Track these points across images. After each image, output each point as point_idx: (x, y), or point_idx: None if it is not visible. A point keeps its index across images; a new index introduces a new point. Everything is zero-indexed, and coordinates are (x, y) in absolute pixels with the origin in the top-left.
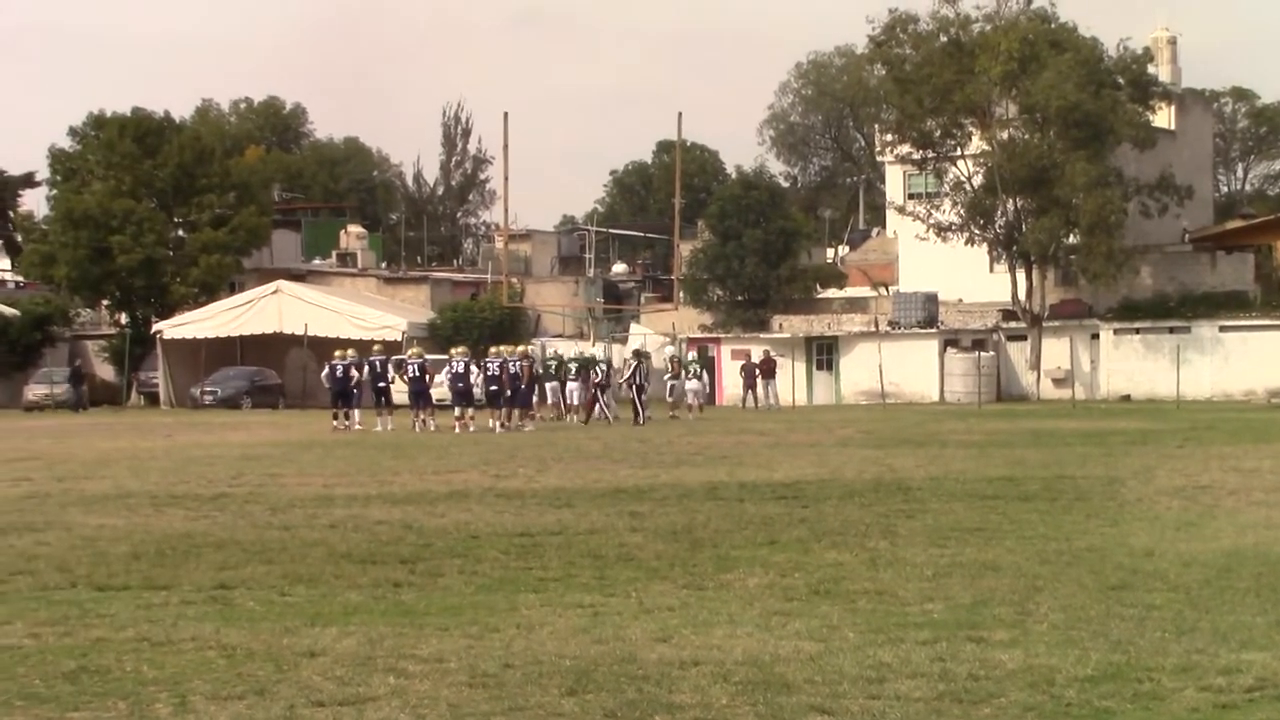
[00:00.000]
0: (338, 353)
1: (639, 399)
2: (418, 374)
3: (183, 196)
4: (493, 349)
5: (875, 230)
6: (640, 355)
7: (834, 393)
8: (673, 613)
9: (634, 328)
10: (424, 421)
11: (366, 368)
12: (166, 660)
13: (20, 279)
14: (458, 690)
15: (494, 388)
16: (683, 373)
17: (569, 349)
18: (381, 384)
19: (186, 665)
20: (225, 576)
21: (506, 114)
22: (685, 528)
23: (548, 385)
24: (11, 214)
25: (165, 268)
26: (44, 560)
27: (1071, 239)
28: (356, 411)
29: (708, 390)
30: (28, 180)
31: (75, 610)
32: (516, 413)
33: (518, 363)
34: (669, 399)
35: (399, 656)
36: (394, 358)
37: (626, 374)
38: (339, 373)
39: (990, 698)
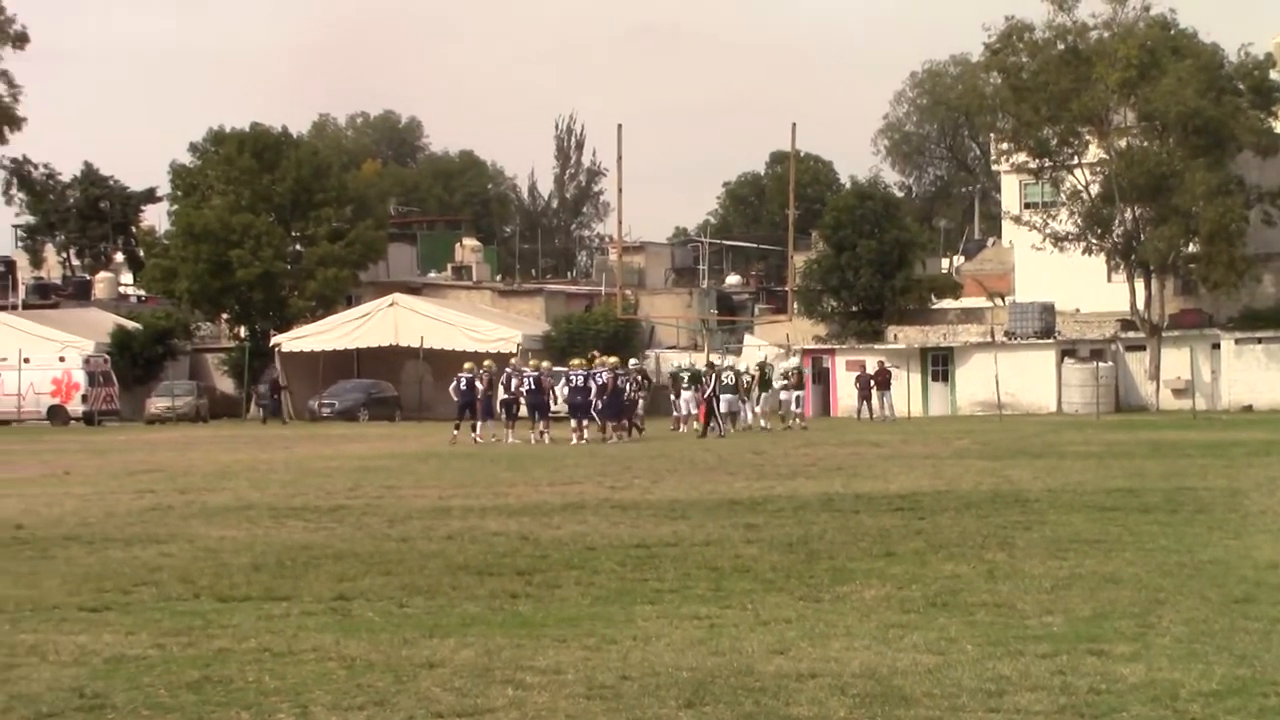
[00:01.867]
0: (467, 365)
1: (717, 412)
2: (534, 386)
3: (300, 211)
4: (573, 360)
5: (991, 240)
6: (713, 367)
7: (949, 404)
8: (789, 625)
9: (748, 339)
10: (541, 434)
11: (512, 380)
12: (288, 671)
13: (142, 293)
14: (575, 702)
15: (579, 399)
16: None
17: (683, 360)
18: (531, 399)
19: (307, 676)
20: (344, 588)
21: (620, 126)
22: (801, 539)
23: (683, 397)
24: (134, 229)
25: (283, 281)
26: (167, 571)
27: (1191, 248)
28: (489, 423)
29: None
30: (150, 196)
31: (198, 621)
32: (609, 426)
33: (602, 375)
34: (780, 412)
35: (516, 668)
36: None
37: (707, 387)
38: (463, 385)
39: (1112, 712)
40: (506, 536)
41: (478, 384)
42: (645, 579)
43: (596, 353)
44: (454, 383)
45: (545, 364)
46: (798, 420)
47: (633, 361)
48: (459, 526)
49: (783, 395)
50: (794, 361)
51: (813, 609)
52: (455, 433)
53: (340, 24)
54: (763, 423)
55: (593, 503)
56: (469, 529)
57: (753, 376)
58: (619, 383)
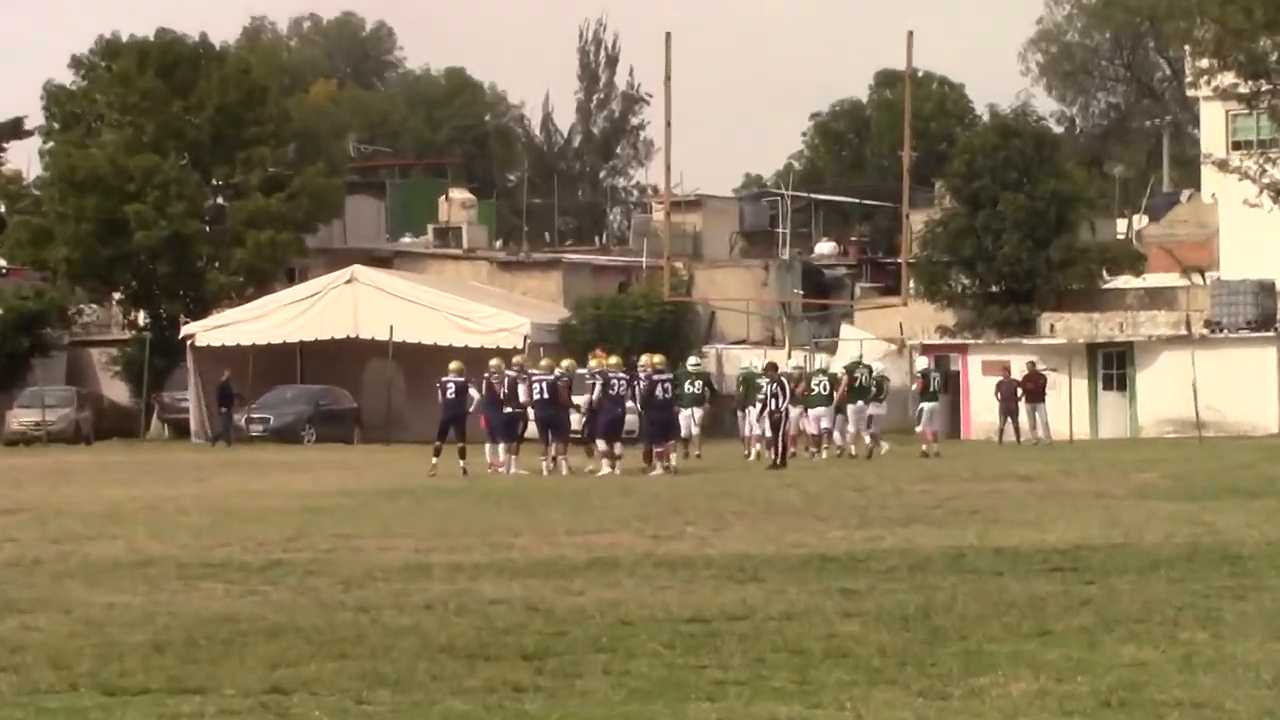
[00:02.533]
0: (454, 365)
1: (777, 434)
2: (547, 395)
3: (225, 150)
4: (593, 359)
5: (1186, 193)
6: (776, 372)
7: (1128, 421)
8: None
9: (845, 331)
10: (555, 460)
11: (518, 387)
12: None
13: (3, 264)
14: None
15: (614, 412)
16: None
17: (756, 359)
18: (544, 412)
19: None
20: (281, 677)
21: (669, 35)
22: (920, 611)
23: (748, 413)
24: None
25: (199, 248)
26: (34, 652)
27: None
28: (500, 447)
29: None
30: (15, 129)
31: None
32: (655, 449)
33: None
34: (917, 428)
35: None
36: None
37: (760, 401)
38: (451, 392)
39: None
40: (509, 606)
41: (473, 392)
42: (702, 666)
43: (600, 351)
44: (440, 390)
45: (566, 363)
46: (930, 445)
47: (692, 360)
48: (442, 592)
49: (871, 410)
50: (923, 362)
51: (937, 709)
52: (435, 460)
53: None
54: (851, 448)
55: (629, 559)
56: (456, 595)
57: (832, 382)
58: (657, 390)
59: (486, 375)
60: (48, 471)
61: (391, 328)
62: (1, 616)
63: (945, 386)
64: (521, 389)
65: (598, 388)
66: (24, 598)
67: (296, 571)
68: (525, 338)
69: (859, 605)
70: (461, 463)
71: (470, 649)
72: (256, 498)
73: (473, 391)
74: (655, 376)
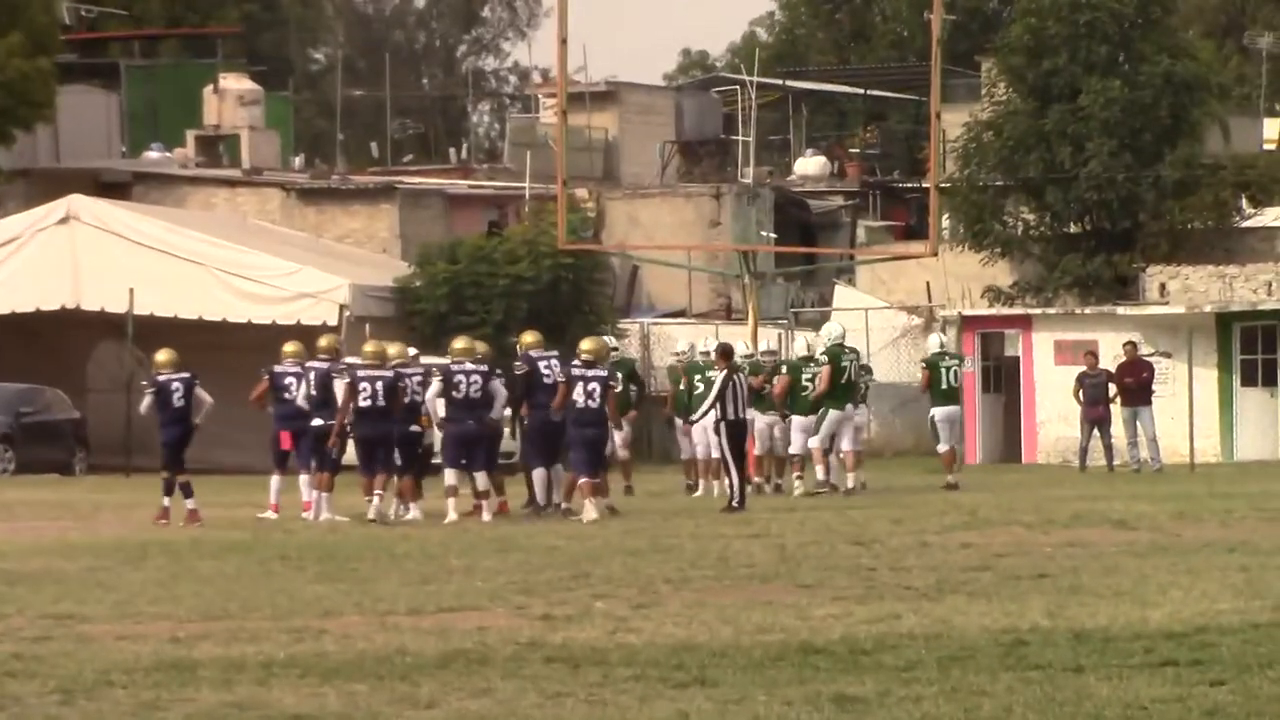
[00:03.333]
0: (290, 348)
1: (737, 456)
2: (381, 400)
3: None
4: (457, 344)
5: None
6: (731, 361)
7: (1277, 436)
8: None
9: (841, 294)
10: (398, 501)
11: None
12: None
13: None
14: None
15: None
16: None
17: (703, 341)
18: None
19: None
20: None
21: None
22: None
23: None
24: None
25: None
26: None
27: None
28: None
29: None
30: None
31: None
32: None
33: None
34: (939, 447)
35: None
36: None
37: (705, 405)
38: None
39: None
40: None
41: (296, 391)
42: None
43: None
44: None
45: (410, 352)
46: (954, 470)
47: (609, 344)
48: (215, 704)
49: (936, 415)
50: (936, 340)
51: None
52: (165, 500)
53: None
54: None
55: (505, 651)
56: (237, 709)
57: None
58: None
59: (274, 370)
60: None
61: (132, 293)
62: None
63: (991, 381)
64: (338, 389)
65: (436, 386)
66: None
67: None
68: (342, 308)
69: None
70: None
71: None
72: None
73: (201, 393)
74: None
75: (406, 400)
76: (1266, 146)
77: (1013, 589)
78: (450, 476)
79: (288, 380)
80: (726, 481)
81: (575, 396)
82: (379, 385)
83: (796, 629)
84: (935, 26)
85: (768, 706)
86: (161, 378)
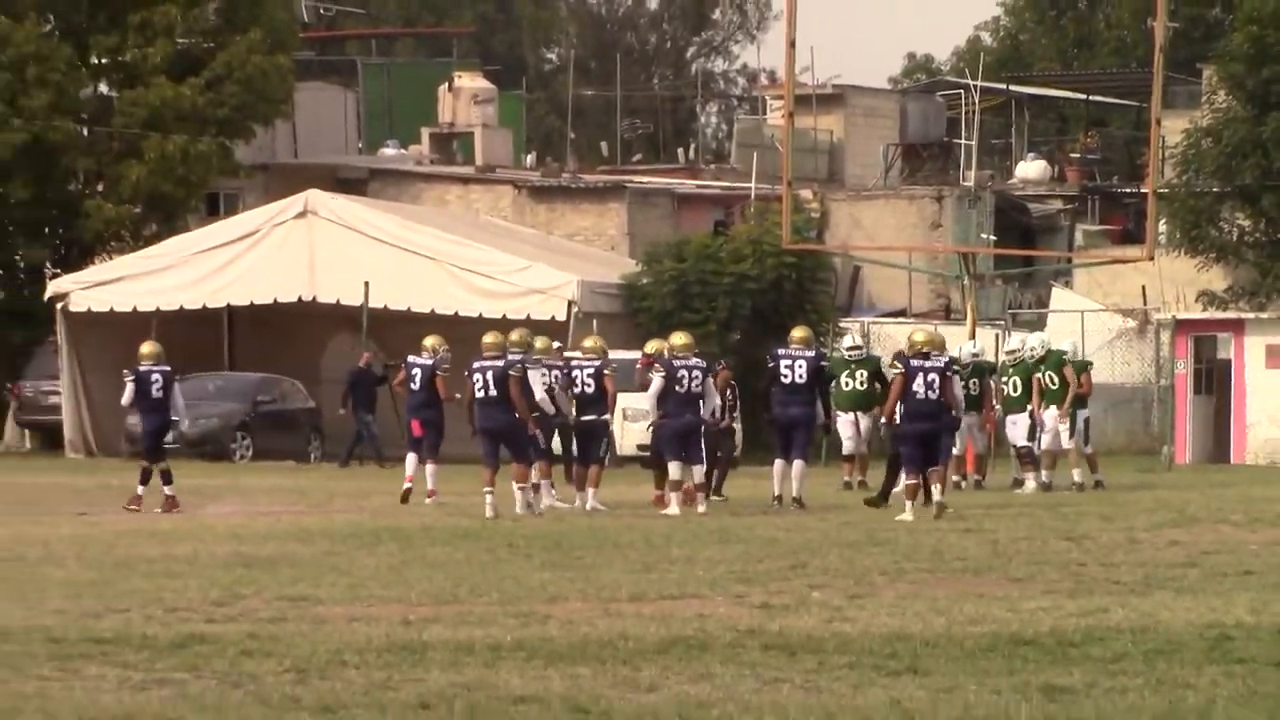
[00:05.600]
0: (429, 342)
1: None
2: (593, 391)
3: (111, 13)
4: (588, 341)
5: None
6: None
7: None
8: None
9: (1058, 297)
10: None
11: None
12: None
13: None
14: None
15: (587, 418)
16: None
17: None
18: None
19: None
20: None
21: None
22: None
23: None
24: None
25: (75, 161)
26: None
27: None
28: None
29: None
30: None
31: None
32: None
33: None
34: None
35: None
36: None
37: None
38: (416, 381)
39: None
40: (544, 706)
41: (443, 396)
42: None
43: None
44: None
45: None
46: (1082, 474)
47: (848, 343)
48: (444, 684)
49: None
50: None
51: None
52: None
53: None
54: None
55: (724, 639)
56: (465, 689)
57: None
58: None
59: (424, 362)
60: None
61: (367, 286)
62: None
63: (1204, 384)
64: (535, 381)
65: (657, 383)
66: None
67: (227, 651)
68: (571, 304)
69: (1072, 711)
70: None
71: None
72: (165, 541)
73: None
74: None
75: (577, 391)
76: None
77: (1218, 585)
78: (674, 470)
79: (414, 371)
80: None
81: (783, 376)
82: (589, 373)
83: (1007, 621)
84: (1159, 34)
85: (978, 695)
86: (142, 369)
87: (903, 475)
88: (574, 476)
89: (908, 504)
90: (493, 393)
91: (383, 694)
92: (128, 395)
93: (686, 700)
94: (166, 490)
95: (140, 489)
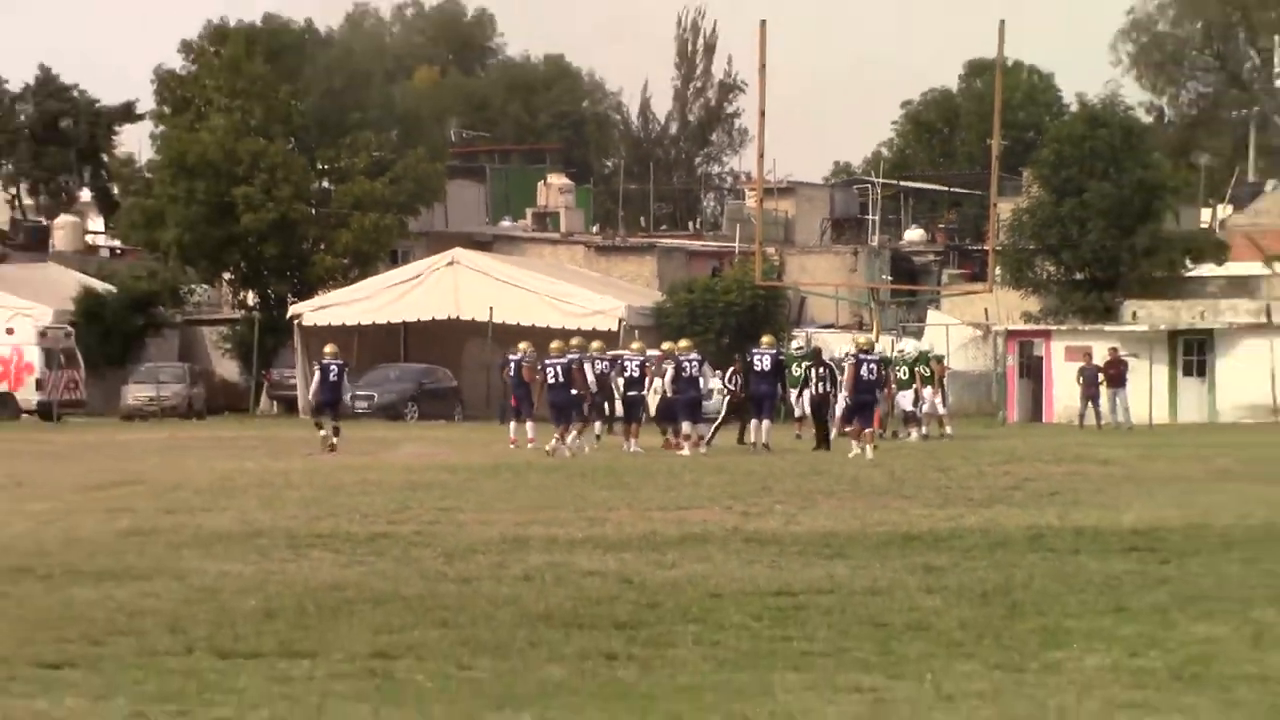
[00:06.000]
0: (522, 345)
1: (818, 418)
2: (638, 375)
3: (329, 135)
4: (633, 345)
5: (1271, 183)
6: (820, 356)
7: (1207, 407)
8: (982, 702)
9: (932, 316)
10: (633, 440)
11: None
12: None
13: (117, 244)
14: None
15: (634, 395)
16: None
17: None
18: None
19: None
20: (386, 642)
21: (764, 24)
22: (999, 588)
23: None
24: (106, 157)
25: (306, 230)
26: (151, 617)
27: None
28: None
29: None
30: (127, 112)
31: (193, 683)
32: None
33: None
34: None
35: None
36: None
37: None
38: (513, 370)
39: None
40: (603, 578)
41: (530, 374)
42: (789, 638)
43: (666, 345)
44: (504, 366)
45: (635, 345)
46: (913, 431)
47: (796, 344)
48: (539, 563)
49: (925, 394)
50: (913, 345)
51: (1014, 681)
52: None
53: None
54: (913, 434)
55: (719, 534)
56: (553, 567)
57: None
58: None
59: (514, 358)
60: (162, 445)
61: (491, 309)
62: (121, 583)
63: (1025, 371)
64: (589, 370)
65: (670, 371)
66: (141, 566)
67: (400, 543)
68: (620, 320)
69: (940, 581)
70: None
71: (566, 618)
72: (362, 472)
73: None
74: (679, 358)
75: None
76: (1203, 226)
77: (1035, 501)
78: (686, 428)
79: (511, 363)
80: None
81: (760, 366)
82: (636, 365)
83: (899, 523)
84: (994, 148)
85: (881, 571)
86: (325, 361)
87: (855, 424)
88: (624, 431)
89: (853, 443)
90: (560, 379)
91: (499, 570)
92: (315, 379)
93: (694, 574)
94: (331, 437)
95: (324, 434)
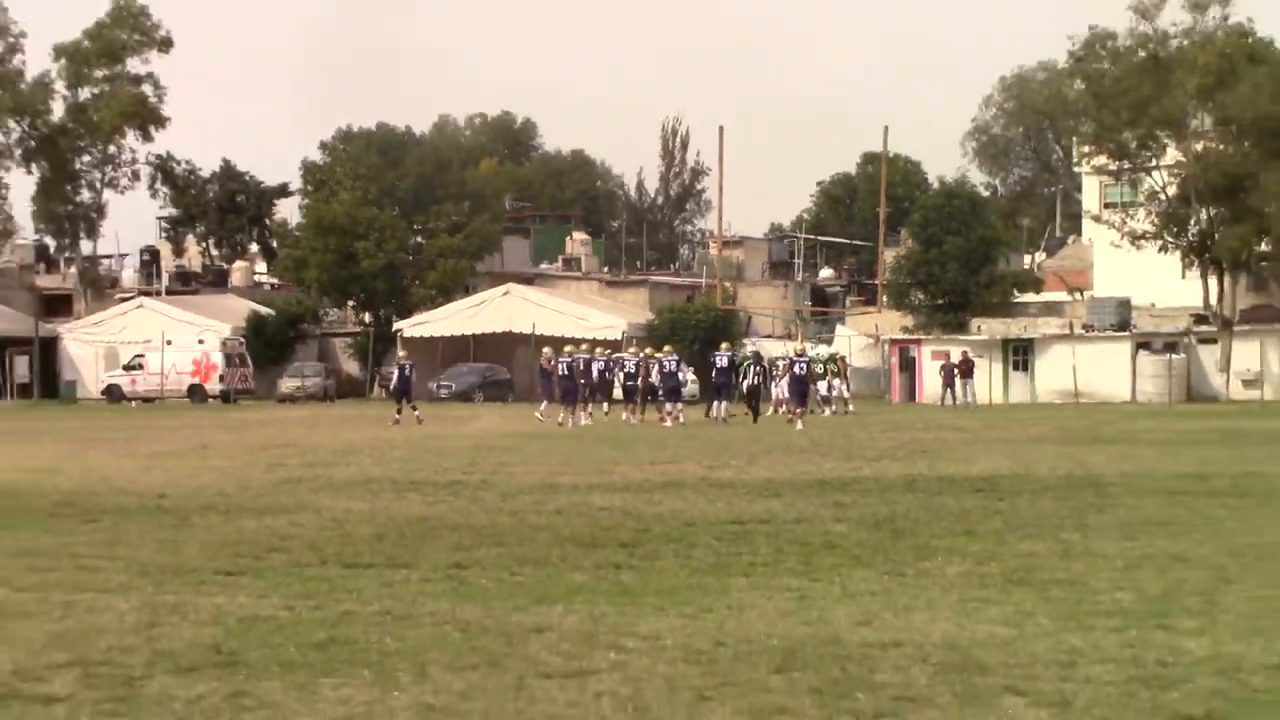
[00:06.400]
0: (546, 351)
1: (752, 401)
2: (633, 370)
3: (422, 205)
4: (630, 349)
5: (1071, 238)
6: (758, 358)
7: (1029, 392)
8: (874, 597)
9: (839, 329)
10: (636, 416)
11: (596, 365)
12: (407, 633)
13: (275, 281)
14: (673, 666)
15: (630, 383)
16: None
17: (783, 349)
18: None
19: (425, 638)
20: (460, 557)
21: (721, 128)
22: (886, 518)
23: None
24: (268, 222)
25: (405, 271)
26: (297, 540)
27: (1263, 246)
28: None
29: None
30: (282, 191)
31: (325, 585)
32: (670, 407)
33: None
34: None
35: (619, 634)
36: (613, 355)
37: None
38: (561, 368)
39: (1178, 683)
40: (610, 511)
41: (563, 367)
42: (739, 553)
43: (648, 349)
44: (550, 362)
45: (651, 350)
46: (827, 409)
47: (749, 349)
48: (566, 502)
49: (835, 383)
50: (826, 349)
51: (897, 583)
52: (541, 414)
53: (460, 30)
54: (826, 412)
55: (691, 481)
56: (576, 504)
57: (769, 366)
58: (666, 367)
59: (548, 359)
60: (305, 420)
61: (534, 325)
62: (275, 516)
63: (904, 366)
64: (595, 367)
65: (654, 367)
66: (290, 504)
67: (469, 488)
68: (622, 332)
69: (845, 514)
70: (538, 414)
71: (584, 540)
72: (443, 439)
73: (546, 365)
74: (661, 358)
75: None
76: (1025, 267)
77: (911, 457)
78: (669, 407)
79: (547, 361)
80: (751, 413)
81: (719, 364)
82: (634, 363)
83: (815, 473)
84: (881, 214)
85: (804, 505)
86: (400, 362)
87: (791, 404)
88: (625, 409)
89: (798, 423)
90: (566, 373)
91: (539, 506)
92: (396, 373)
93: (674, 509)
94: (416, 414)
95: (399, 415)
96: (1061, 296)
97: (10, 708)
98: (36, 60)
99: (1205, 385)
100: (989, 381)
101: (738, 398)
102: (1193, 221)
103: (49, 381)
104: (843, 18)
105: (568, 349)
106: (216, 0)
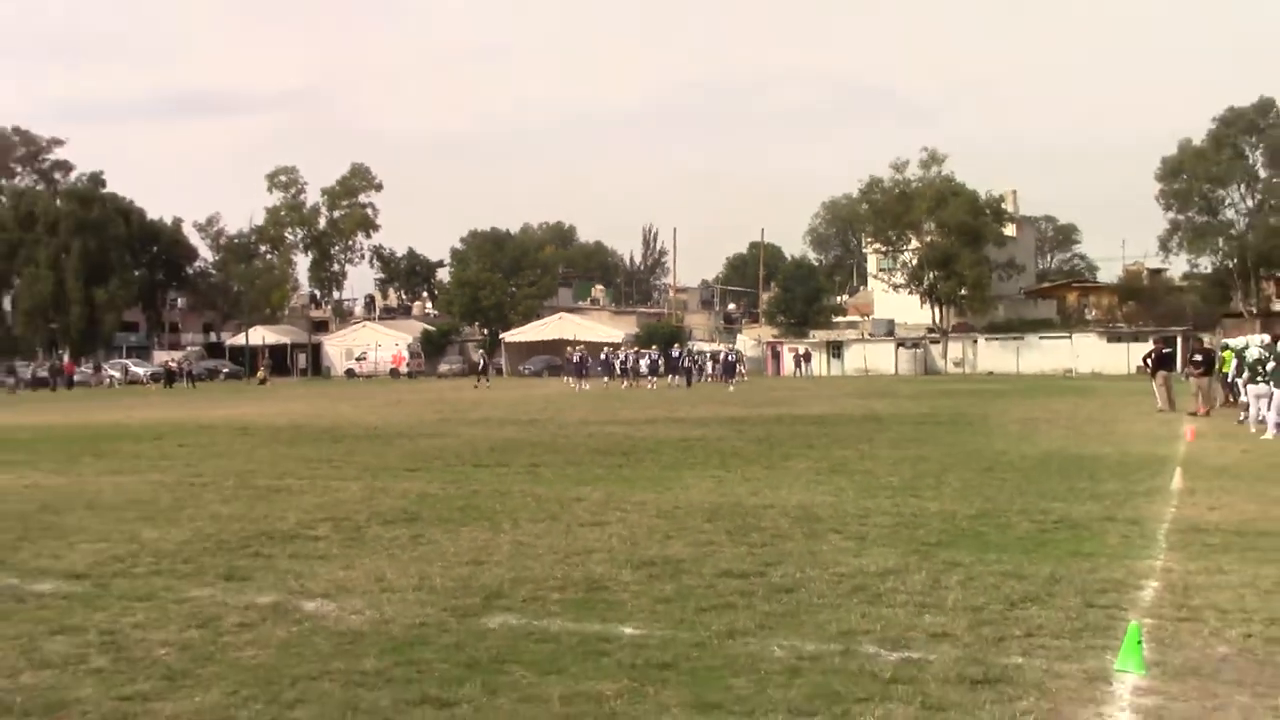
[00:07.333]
0: (578, 347)
1: (687, 377)
2: (627, 359)
3: (519, 272)
4: (626, 348)
5: (861, 287)
6: (691, 353)
7: (841, 370)
8: (760, 481)
9: (739, 337)
10: (630, 385)
11: (603, 355)
12: (506, 502)
13: (435, 312)
14: (651, 519)
15: (625, 366)
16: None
17: (709, 348)
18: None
19: (516, 504)
20: (535, 459)
21: (675, 230)
22: (765, 437)
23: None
24: (432, 281)
25: (505, 309)
26: (448, 451)
27: (963, 292)
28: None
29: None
30: (439, 264)
31: (462, 476)
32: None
33: (629, 352)
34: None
35: (622, 502)
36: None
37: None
38: (575, 358)
39: (922, 525)
40: (616, 435)
41: (576, 357)
42: (687, 458)
43: (643, 347)
44: (570, 354)
45: (639, 348)
46: (733, 383)
47: (696, 348)
48: (593, 430)
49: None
50: (737, 346)
51: (771, 473)
52: (573, 385)
53: (531, 149)
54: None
55: (661, 419)
56: (597, 431)
57: (697, 356)
58: (674, 355)
59: (570, 352)
60: (452, 388)
61: (575, 335)
62: (431, 440)
63: (775, 357)
64: (623, 356)
65: (636, 357)
66: (444, 431)
67: (540, 423)
68: (624, 339)
69: (744, 435)
70: (580, 385)
71: (602, 450)
72: (526, 398)
73: (575, 356)
74: (644, 351)
75: (620, 359)
76: (839, 301)
77: (778, 405)
78: (647, 381)
79: (569, 354)
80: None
81: (674, 355)
82: (631, 355)
83: (731, 414)
84: (760, 274)
85: (722, 431)
86: (479, 355)
87: (724, 378)
88: (622, 381)
89: (730, 387)
90: (576, 360)
91: (579, 432)
92: (481, 363)
93: (652, 434)
94: (488, 383)
95: (482, 382)
96: (858, 319)
97: (295, 542)
98: (313, 195)
99: (934, 366)
100: (820, 364)
101: (684, 375)
102: (926, 279)
103: (316, 368)
104: (756, 165)
105: (579, 348)
106: (407, 156)
